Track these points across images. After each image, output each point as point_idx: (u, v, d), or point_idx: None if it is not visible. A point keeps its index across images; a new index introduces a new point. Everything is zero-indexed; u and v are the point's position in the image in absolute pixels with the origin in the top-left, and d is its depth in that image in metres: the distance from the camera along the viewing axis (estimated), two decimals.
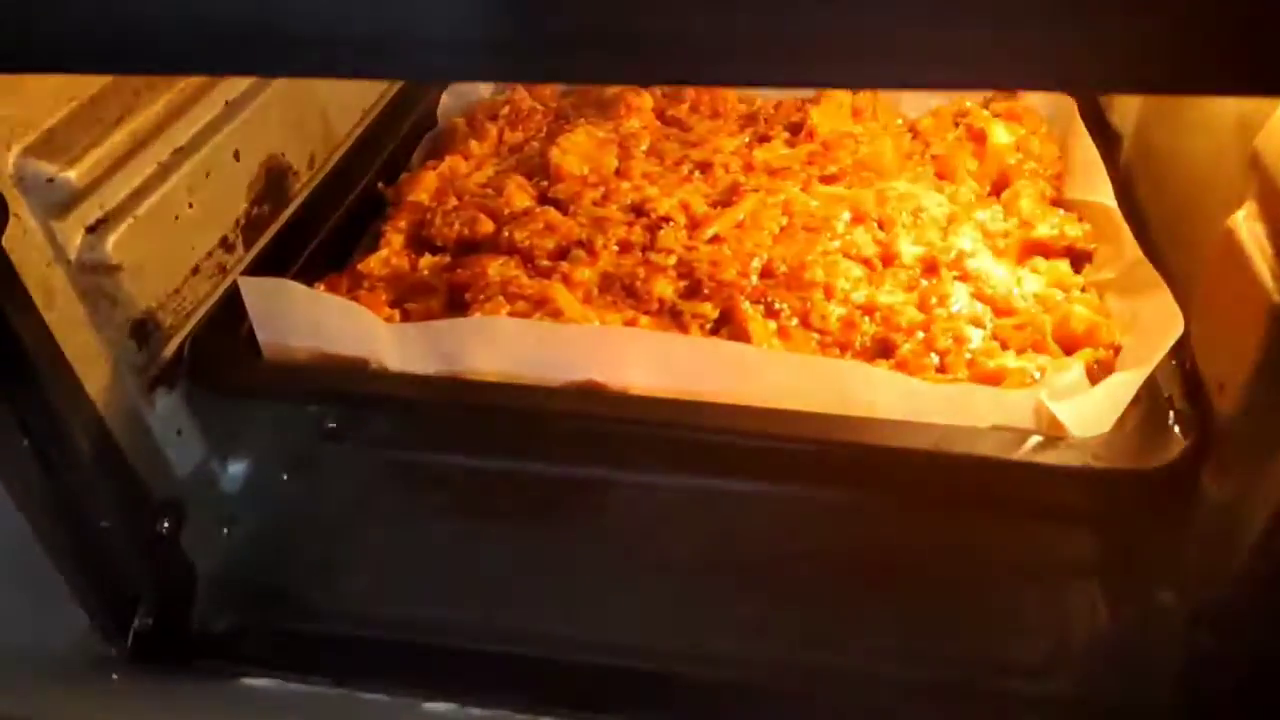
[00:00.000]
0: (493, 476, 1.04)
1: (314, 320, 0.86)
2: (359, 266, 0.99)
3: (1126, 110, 1.09)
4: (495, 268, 0.95)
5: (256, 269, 0.99)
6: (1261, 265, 0.72)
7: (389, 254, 1.01)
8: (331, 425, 1.09)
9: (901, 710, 0.86)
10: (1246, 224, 0.75)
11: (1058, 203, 1.05)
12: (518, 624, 0.92)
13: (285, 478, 1.07)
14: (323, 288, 0.98)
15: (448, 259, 1.00)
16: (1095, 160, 1.03)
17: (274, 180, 1.03)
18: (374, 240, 1.04)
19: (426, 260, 1.00)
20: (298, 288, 0.86)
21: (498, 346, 0.82)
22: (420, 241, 1.03)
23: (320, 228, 1.05)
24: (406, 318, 0.94)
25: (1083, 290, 0.94)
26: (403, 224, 1.04)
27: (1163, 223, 0.94)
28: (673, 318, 0.92)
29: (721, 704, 0.87)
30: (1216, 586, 0.76)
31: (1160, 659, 0.83)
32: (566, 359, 0.82)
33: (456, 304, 0.93)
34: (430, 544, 1.00)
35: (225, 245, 0.96)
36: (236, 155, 0.96)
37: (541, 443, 0.92)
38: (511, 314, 0.90)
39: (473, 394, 0.83)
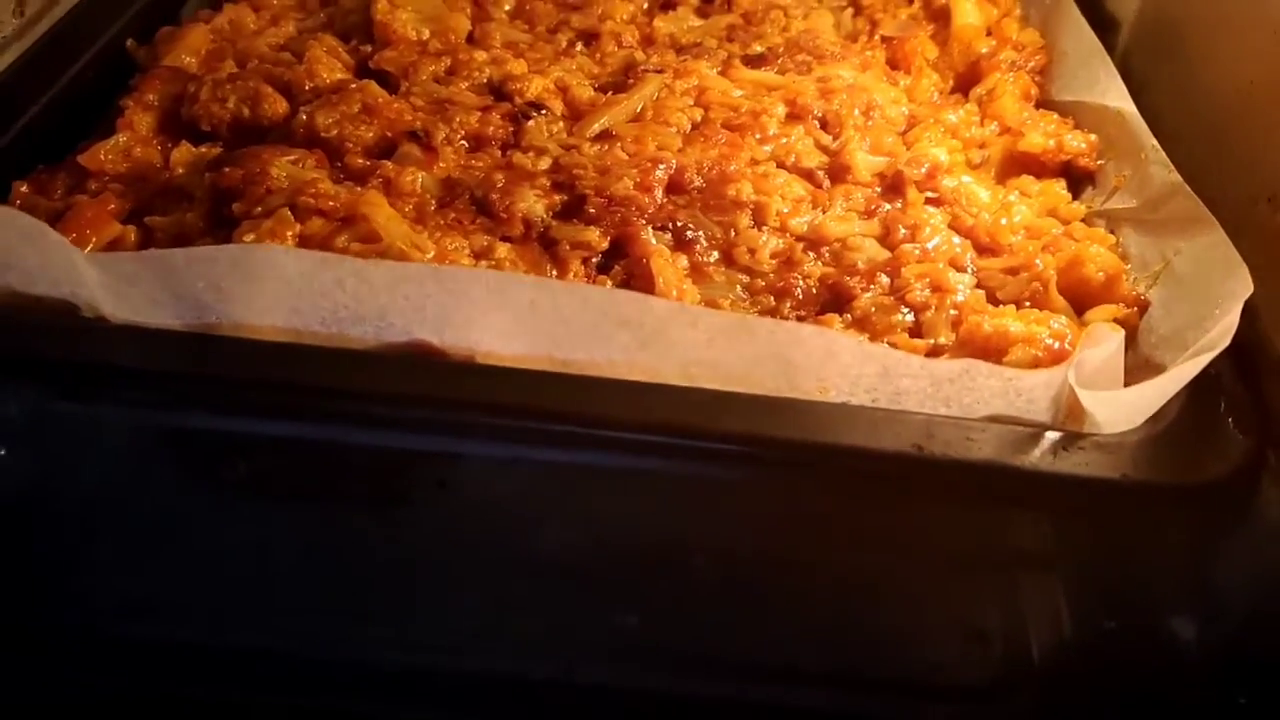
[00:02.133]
0: (296, 448, 0.76)
1: None
2: (81, 158, 0.69)
3: None
4: (283, 166, 0.66)
5: None
6: None
7: (130, 141, 0.71)
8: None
9: None
10: None
11: (1043, 105, 0.82)
12: (323, 653, 0.67)
13: (3, 453, 0.77)
14: (25, 189, 0.67)
15: (216, 150, 0.70)
16: (1095, 49, 0.80)
17: None
18: (114, 121, 0.73)
19: (184, 152, 0.70)
20: None
21: (270, 290, 0.54)
22: (179, 125, 0.73)
23: (32, 102, 0.74)
24: (148, 237, 0.65)
25: (1084, 222, 0.71)
26: (153, 98, 0.74)
27: (1187, 147, 0.71)
28: (545, 247, 0.66)
29: None
30: (1270, 636, 0.56)
31: (1163, 702, 0.64)
32: (379, 311, 0.54)
33: (223, 218, 0.63)
34: (211, 540, 0.73)
35: None
36: None
37: (353, 421, 0.65)
38: (303, 236, 0.62)
39: (236, 366, 0.55)
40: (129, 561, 0.72)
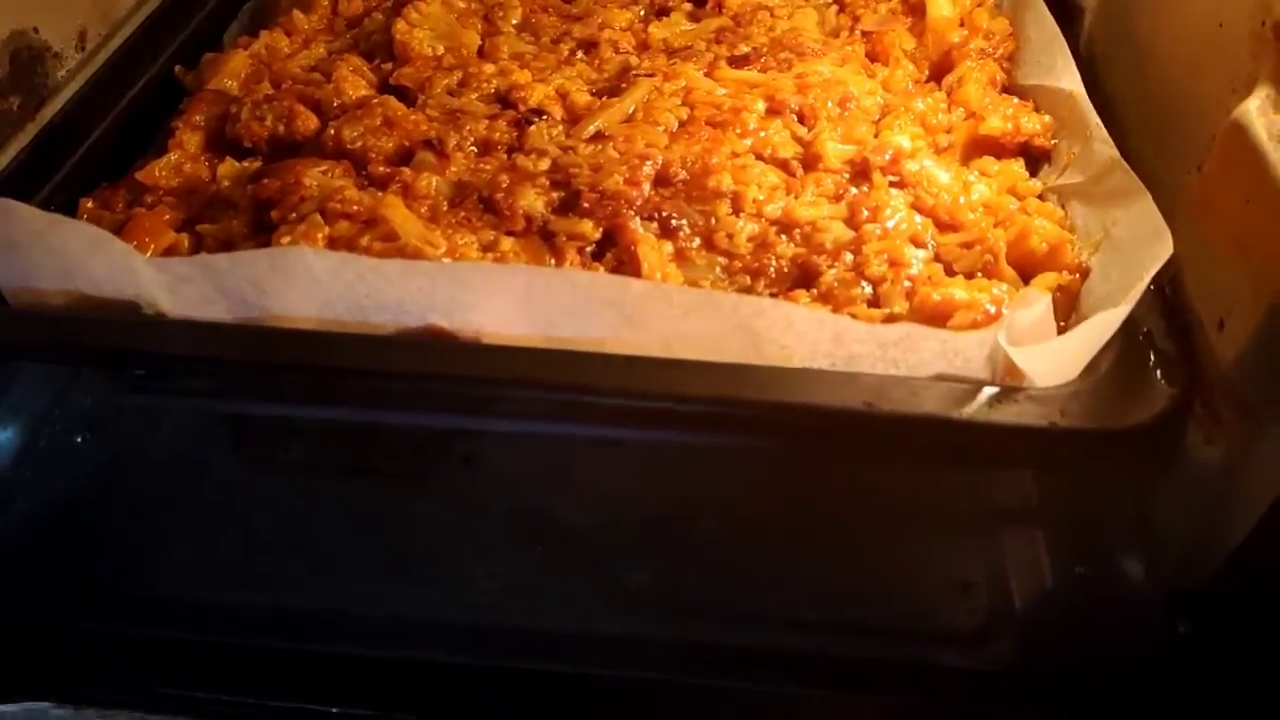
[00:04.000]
0: (339, 430, 0.85)
1: (58, 254, 0.64)
2: (139, 175, 0.78)
3: None
4: (314, 176, 0.74)
5: (6, 184, 0.78)
6: None
7: (181, 158, 0.80)
8: (139, 373, 0.89)
9: (822, 701, 0.72)
10: (1261, 116, 0.58)
11: (1009, 90, 0.88)
12: (370, 611, 0.75)
13: (80, 440, 0.88)
14: (91, 205, 0.76)
15: (257, 164, 0.79)
16: (1054, 36, 0.86)
17: (23, 66, 0.80)
18: (166, 141, 0.82)
19: (229, 167, 0.79)
20: (27, 212, 0.64)
21: (303, 286, 0.62)
22: (223, 142, 0.82)
23: (94, 126, 0.83)
24: (199, 243, 0.73)
25: (1040, 198, 0.78)
26: (200, 119, 0.82)
27: (1139, 116, 0.78)
28: (544, 239, 0.73)
29: (614, 706, 0.72)
30: (1201, 567, 0.63)
31: (1120, 637, 0.71)
32: (396, 300, 0.63)
33: (263, 224, 0.72)
34: (268, 513, 0.83)
35: None
36: None
37: (378, 399, 0.74)
38: (331, 237, 0.70)
39: (270, 349, 0.64)
40: (191, 531, 0.81)
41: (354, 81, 0.85)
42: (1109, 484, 0.71)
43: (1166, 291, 0.68)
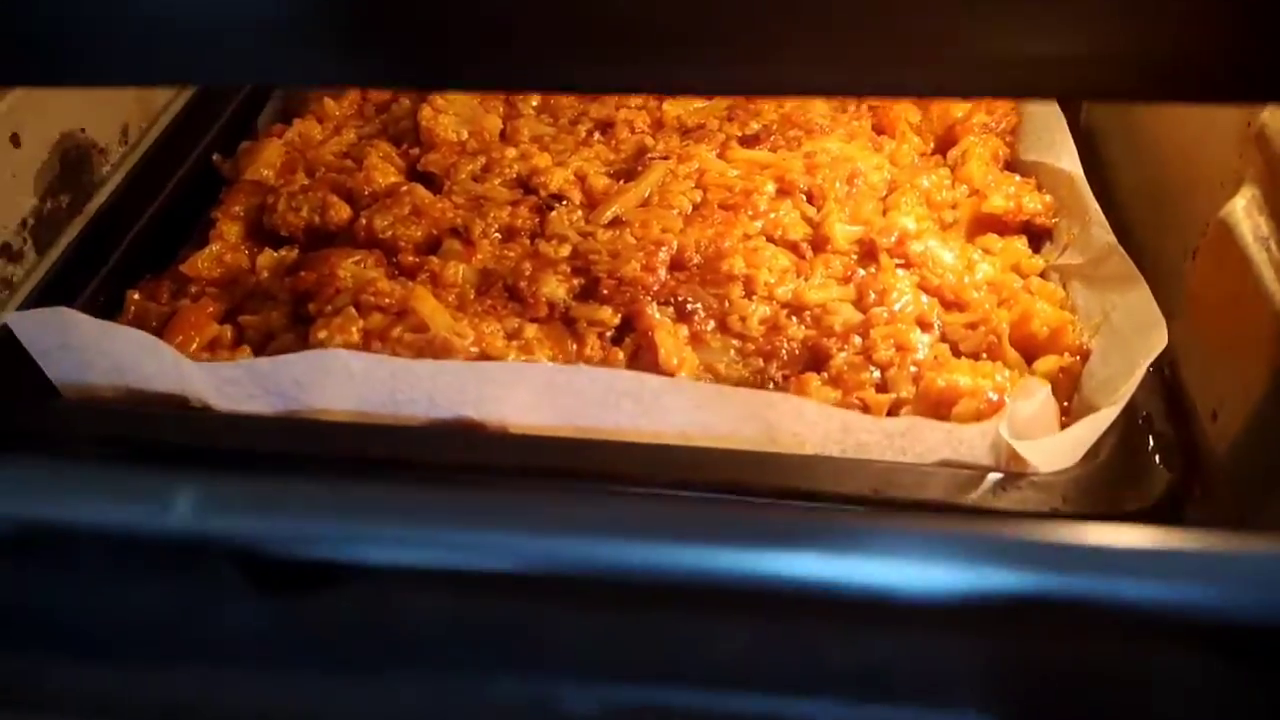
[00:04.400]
0: None
1: (110, 356, 0.68)
2: (183, 267, 0.82)
3: None
4: (348, 267, 0.78)
5: (56, 278, 0.82)
6: (1267, 271, 0.59)
7: (221, 249, 0.83)
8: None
9: None
10: (1247, 218, 0.61)
11: (1013, 165, 0.91)
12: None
13: None
14: (137, 297, 0.80)
15: (295, 254, 0.83)
16: (1054, 112, 0.89)
17: (72, 165, 0.84)
18: (207, 230, 0.86)
19: (267, 257, 0.82)
20: (80, 319, 0.68)
21: (340, 383, 0.66)
22: (262, 231, 0.86)
23: (138, 218, 0.87)
24: (240, 334, 0.77)
25: (1042, 275, 0.81)
26: (238, 209, 0.86)
27: (1138, 197, 0.81)
28: (566, 326, 0.77)
29: None
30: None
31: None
32: (427, 395, 0.67)
33: (300, 316, 0.76)
34: None
35: (8, 254, 0.77)
36: (15, 140, 0.77)
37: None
38: (365, 330, 0.74)
39: (319, 441, 0.67)
40: None
41: (383, 169, 0.89)
42: None
43: (1166, 373, 0.70)
